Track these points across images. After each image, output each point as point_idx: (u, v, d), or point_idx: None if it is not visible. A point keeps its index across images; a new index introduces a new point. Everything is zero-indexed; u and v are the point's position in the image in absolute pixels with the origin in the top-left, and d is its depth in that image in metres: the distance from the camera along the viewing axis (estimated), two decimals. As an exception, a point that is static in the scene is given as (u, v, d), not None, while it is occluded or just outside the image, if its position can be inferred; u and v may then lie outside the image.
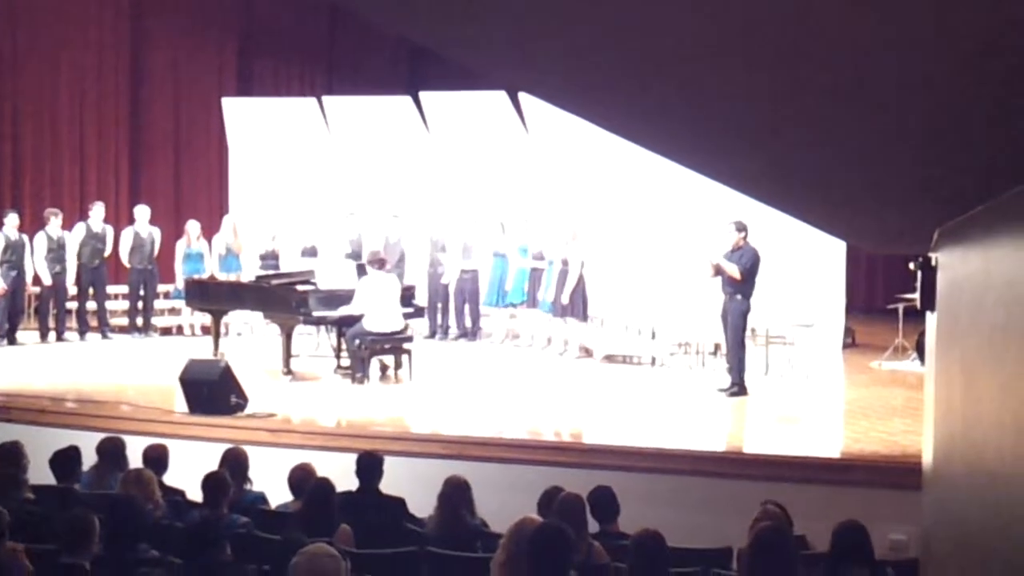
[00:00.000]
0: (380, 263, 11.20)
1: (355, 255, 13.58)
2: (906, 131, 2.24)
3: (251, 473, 6.84)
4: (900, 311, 12.21)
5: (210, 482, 6.06)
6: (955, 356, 3.47)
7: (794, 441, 8.85)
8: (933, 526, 4.16)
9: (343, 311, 10.97)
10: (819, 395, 11.12)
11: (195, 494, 6.46)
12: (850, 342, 13.69)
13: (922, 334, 9.43)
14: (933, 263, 4.31)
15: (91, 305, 14.03)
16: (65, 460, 6.78)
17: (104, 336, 13.97)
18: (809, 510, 6.18)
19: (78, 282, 13.92)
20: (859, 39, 1.51)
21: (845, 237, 8.58)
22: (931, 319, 4.47)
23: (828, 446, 8.90)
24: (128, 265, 14.28)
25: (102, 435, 7.49)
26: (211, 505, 5.95)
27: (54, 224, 13.61)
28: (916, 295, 4.55)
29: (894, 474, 7.33)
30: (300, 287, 11.22)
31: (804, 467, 7.85)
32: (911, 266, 4.59)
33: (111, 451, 7.01)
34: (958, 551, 3.20)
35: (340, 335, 11.43)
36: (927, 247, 4.45)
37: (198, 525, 5.32)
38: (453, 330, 14.14)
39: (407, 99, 15.34)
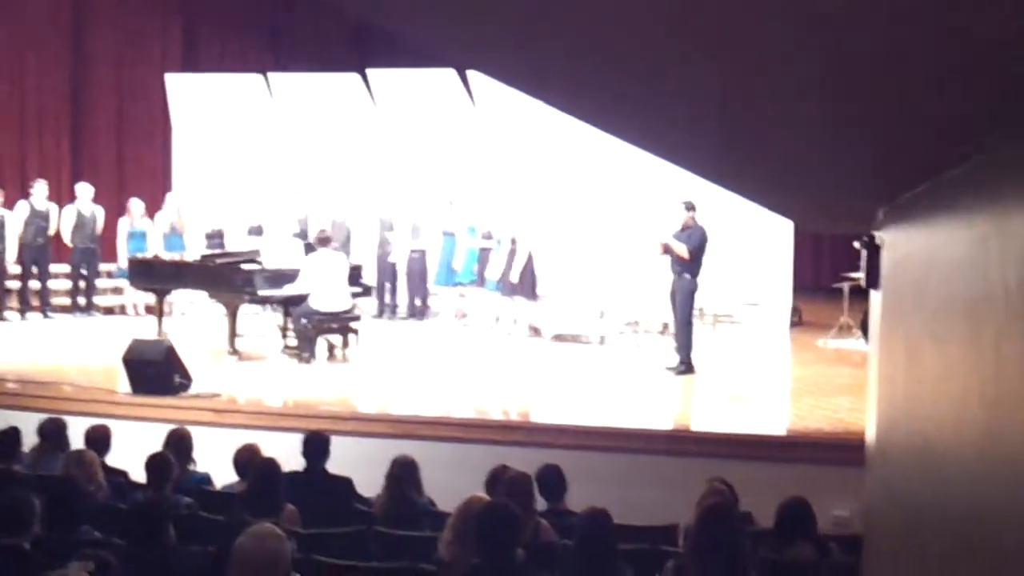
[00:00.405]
0: (326, 241, 11.12)
1: (302, 234, 13.48)
2: (850, 110, 2.24)
3: (196, 454, 6.78)
4: (846, 290, 12.36)
5: (154, 463, 5.99)
6: (898, 334, 3.50)
7: (740, 419, 8.93)
8: (875, 502, 4.21)
9: (289, 290, 10.88)
10: (765, 373, 11.23)
11: (138, 475, 6.38)
12: (796, 321, 13.84)
13: (867, 313, 9.53)
14: (878, 242, 4.35)
15: (34, 284, 13.79)
16: (5, 441, 6.67)
17: (45, 316, 13.77)
18: (755, 487, 6.22)
19: (20, 261, 13.69)
20: (804, 17, 1.51)
21: (791, 216, 8.64)
22: (875, 298, 4.51)
23: (774, 424, 8.99)
24: (70, 244, 14.07)
25: (43, 416, 7.38)
26: (154, 486, 5.88)
27: (-7, 202, 13.38)
28: (861, 274, 4.59)
29: (838, 451, 7.41)
30: (245, 266, 11.11)
31: (750, 444, 7.93)
32: (856, 245, 4.62)
33: (52, 432, 6.92)
34: (899, 526, 3.23)
35: (286, 314, 11.34)
36: (872, 226, 4.48)
37: (141, 506, 5.26)
38: (401, 309, 14.09)
39: (355, 76, 15.21)
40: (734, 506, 5.22)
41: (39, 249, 13.72)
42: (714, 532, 4.25)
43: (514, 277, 12.38)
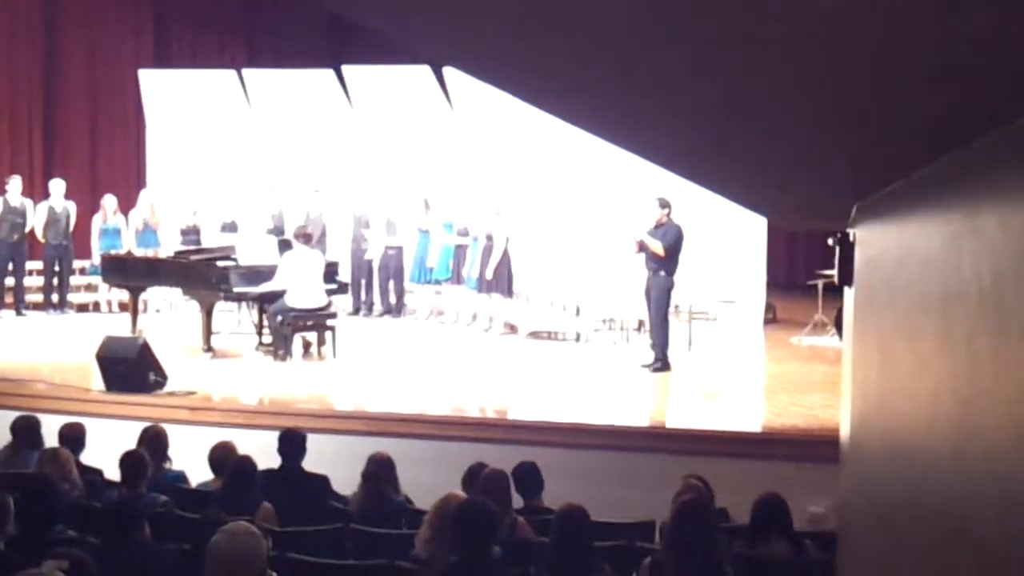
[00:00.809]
0: (306, 238, 11.09)
1: (277, 230, 13.43)
2: (824, 107, 2.25)
3: (171, 452, 6.75)
4: (820, 287, 12.41)
5: (128, 461, 5.96)
6: (872, 331, 3.52)
7: (716, 416, 8.97)
8: (850, 498, 4.24)
9: (265, 287, 10.85)
10: (741, 370, 11.28)
11: (113, 473, 6.35)
12: (771, 318, 13.89)
13: (840, 310, 9.58)
14: (851, 239, 4.37)
15: (9, 281, 13.68)
16: (-23, 440, 6.63)
17: (19, 313, 13.66)
18: (730, 483, 6.26)
19: (-5, 257, 13.59)
20: (779, 12, 1.51)
21: (765, 213, 8.67)
22: (849, 295, 4.53)
23: (749, 420, 9.03)
24: (43, 240, 13.97)
25: (17, 414, 7.33)
26: (129, 484, 5.85)
27: (-34, 199, 13.26)
28: (835, 271, 4.61)
29: (813, 447, 7.44)
30: (220, 263, 11.06)
31: (726, 441, 7.97)
32: (830, 242, 4.64)
33: (25, 430, 6.87)
34: (874, 522, 3.26)
35: (262, 311, 11.30)
36: (845, 223, 4.51)
37: (115, 505, 5.23)
38: (377, 306, 14.06)
39: (329, 72, 15.16)
40: (710, 502, 5.24)
41: (14, 246, 13.61)
42: (690, 529, 4.27)
43: (489, 273, 12.37)
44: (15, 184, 13.81)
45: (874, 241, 3.69)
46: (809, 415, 8.55)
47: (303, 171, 14.92)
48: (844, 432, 4.55)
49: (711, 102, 2.38)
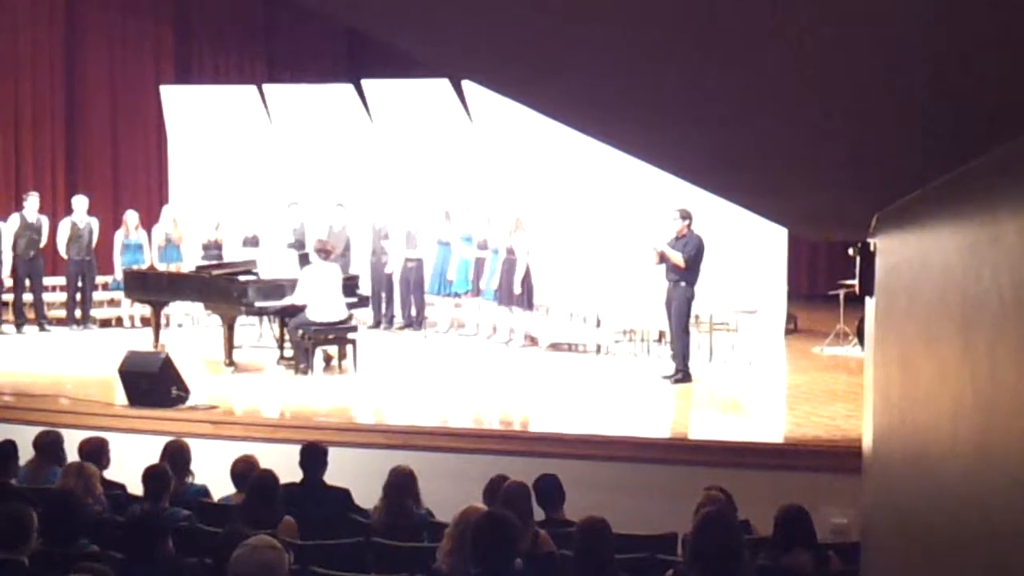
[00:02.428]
0: (326, 252, 11.12)
1: (298, 244, 13.47)
2: (845, 116, 2.25)
3: (193, 466, 6.76)
4: (841, 297, 12.35)
5: (151, 476, 5.98)
6: (893, 341, 3.50)
7: (737, 427, 8.93)
8: (873, 509, 4.22)
9: (286, 301, 10.88)
10: (762, 381, 11.22)
11: (136, 488, 6.37)
12: (792, 328, 13.83)
13: (862, 320, 9.55)
14: (872, 248, 4.35)
15: (28, 297, 13.78)
16: (1, 454, 6.66)
17: (42, 328, 13.75)
18: (753, 495, 6.23)
19: (14, 274, 13.68)
20: (799, 22, 1.51)
21: (786, 223, 8.66)
22: (870, 304, 4.52)
23: (771, 431, 8.99)
24: (66, 256, 14.06)
25: (40, 429, 7.37)
26: (152, 499, 5.87)
27: (-12, 215, 13.37)
28: (855, 281, 4.60)
29: (836, 458, 7.41)
30: (241, 277, 11.10)
31: (747, 452, 7.93)
32: (850, 252, 4.63)
33: (48, 445, 6.91)
34: (898, 534, 3.24)
35: (283, 325, 11.33)
36: (866, 233, 4.49)
37: (139, 519, 5.24)
38: (398, 319, 14.07)
39: (349, 87, 15.23)
40: (732, 514, 5.22)
41: (31, 262, 13.70)
42: (712, 541, 4.25)
43: (517, 288, 12.34)
44: (32, 201, 13.90)
45: (895, 250, 3.67)
46: (831, 426, 8.50)
47: (324, 185, 14.97)
48: (867, 442, 4.53)
49: (733, 113, 2.37)
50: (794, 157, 3.06)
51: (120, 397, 9.26)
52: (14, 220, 13.70)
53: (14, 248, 13.57)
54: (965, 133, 2.07)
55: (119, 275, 13.83)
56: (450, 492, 6.21)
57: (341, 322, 10.91)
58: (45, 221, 13.99)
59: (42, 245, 13.89)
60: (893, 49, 1.59)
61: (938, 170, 2.53)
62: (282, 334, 11.45)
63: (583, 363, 11.78)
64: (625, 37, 1.72)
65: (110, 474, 6.73)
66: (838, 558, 5.13)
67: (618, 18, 1.61)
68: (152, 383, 9.05)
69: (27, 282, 13.70)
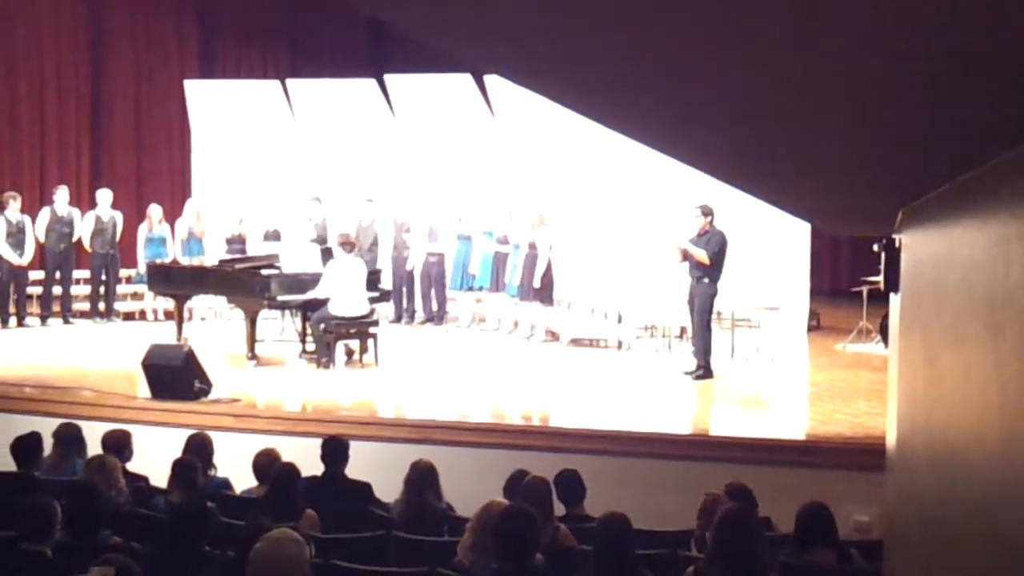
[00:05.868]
0: (350, 246, 11.13)
1: (320, 239, 13.50)
2: (871, 112, 2.23)
3: (215, 459, 6.79)
4: (864, 294, 12.28)
5: (182, 468, 6.01)
6: (918, 337, 3.48)
7: (759, 423, 8.90)
8: (896, 507, 4.19)
9: (308, 295, 10.91)
10: (784, 378, 11.18)
11: (158, 480, 6.40)
12: (815, 325, 13.77)
13: (886, 316, 9.50)
14: (897, 244, 4.32)
15: (56, 290, 13.87)
16: (26, 446, 6.71)
17: (66, 321, 13.84)
18: (774, 492, 6.20)
19: (43, 266, 13.78)
20: (826, 20, 1.50)
21: (810, 219, 8.61)
22: (894, 301, 4.49)
23: (793, 428, 8.95)
24: (90, 249, 14.14)
25: (61, 421, 7.41)
26: (186, 490, 5.88)
27: (13, 208, 13.44)
28: (880, 277, 4.56)
29: (858, 456, 7.37)
30: (264, 271, 11.14)
31: (769, 449, 7.89)
32: (875, 248, 4.60)
33: (68, 437, 6.94)
34: (921, 531, 3.21)
35: (305, 319, 11.36)
36: (891, 228, 4.46)
37: (181, 511, 5.20)
38: (419, 314, 14.09)
39: (371, 82, 15.26)
40: (753, 512, 5.20)
41: (62, 255, 13.79)
42: (734, 537, 4.24)
43: (537, 283, 12.34)
44: (62, 194, 13.99)
45: (920, 246, 3.64)
46: (854, 423, 8.46)
47: (346, 180, 15.00)
48: (890, 440, 4.50)
49: (761, 106, 2.36)
50: (821, 153, 3.03)
51: (143, 390, 9.31)
52: (45, 213, 13.79)
53: (44, 241, 13.67)
54: (993, 128, 2.05)
55: (143, 268, 13.90)
56: (470, 487, 6.21)
57: (363, 316, 10.93)
58: (77, 214, 14.06)
59: (75, 238, 13.97)
60: (921, 44, 1.57)
61: (965, 165, 2.50)
62: (304, 328, 11.48)
63: (604, 359, 11.77)
64: (654, 32, 1.71)
65: (133, 466, 6.77)
66: (860, 556, 5.10)
67: (647, 13, 1.60)
68: (175, 376, 9.10)
69: (57, 275, 13.79)
